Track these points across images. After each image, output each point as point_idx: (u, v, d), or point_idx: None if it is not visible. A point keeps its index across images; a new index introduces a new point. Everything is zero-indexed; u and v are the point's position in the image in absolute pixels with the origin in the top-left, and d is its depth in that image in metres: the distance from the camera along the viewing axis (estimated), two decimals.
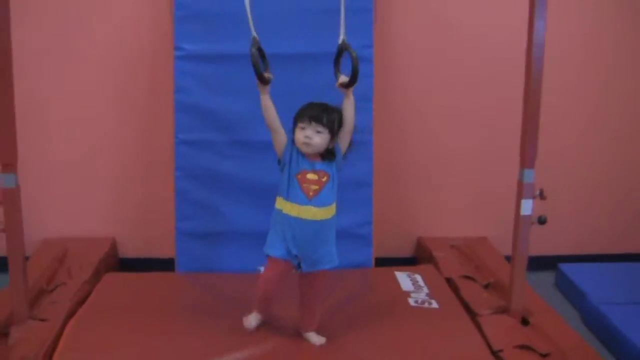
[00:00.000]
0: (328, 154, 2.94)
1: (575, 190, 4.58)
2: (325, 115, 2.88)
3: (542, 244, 4.29)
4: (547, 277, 4.37)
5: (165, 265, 4.05)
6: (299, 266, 2.97)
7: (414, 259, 4.45)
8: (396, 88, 4.31)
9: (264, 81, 2.87)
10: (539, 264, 4.31)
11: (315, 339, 3.11)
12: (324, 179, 2.92)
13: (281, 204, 2.94)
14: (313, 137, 2.87)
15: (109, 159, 4.31)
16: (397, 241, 4.50)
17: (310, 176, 2.91)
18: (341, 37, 3.01)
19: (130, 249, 4.39)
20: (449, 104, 4.37)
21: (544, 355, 3.06)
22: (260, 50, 2.94)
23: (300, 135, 2.87)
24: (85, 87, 4.20)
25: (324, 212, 2.92)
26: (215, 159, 3.98)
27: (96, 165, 4.31)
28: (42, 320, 3.19)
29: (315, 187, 2.89)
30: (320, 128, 2.87)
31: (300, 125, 2.89)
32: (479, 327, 3.29)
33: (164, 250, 4.12)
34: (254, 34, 2.95)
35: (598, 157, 4.55)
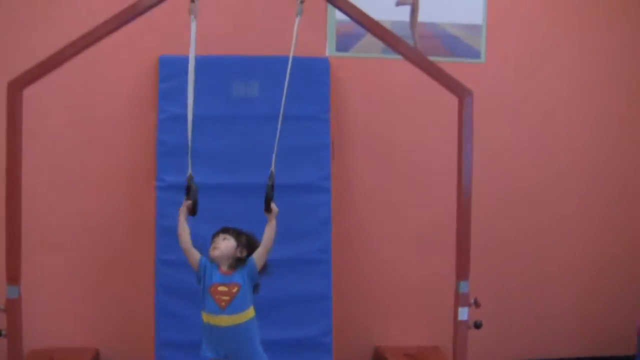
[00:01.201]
0: (238, 262, 3.29)
1: (524, 304, 4.98)
2: (232, 229, 3.32)
3: (494, 354, 4.84)
4: None
5: None
6: None
7: None
8: (352, 213, 4.75)
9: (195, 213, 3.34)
10: None
11: None
12: (234, 290, 3.25)
13: (203, 314, 3.29)
14: (219, 242, 3.29)
15: (94, 275, 4.62)
16: (356, 350, 4.78)
17: (221, 288, 3.24)
18: (271, 169, 3.37)
19: (112, 359, 4.63)
20: (397, 226, 4.83)
21: None
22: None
23: (211, 247, 3.30)
24: (76, 210, 4.57)
25: (237, 318, 3.24)
26: (191, 277, 4.11)
27: (81, 281, 4.61)
28: None
29: (226, 297, 3.22)
30: (226, 236, 3.31)
31: (212, 241, 3.32)
32: None
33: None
34: (190, 171, 3.42)
35: (536, 274, 4.99)
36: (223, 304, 3.23)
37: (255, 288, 3.35)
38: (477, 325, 3.66)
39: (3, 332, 3.41)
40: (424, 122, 4.80)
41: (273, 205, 3.35)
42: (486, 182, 4.68)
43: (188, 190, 3.40)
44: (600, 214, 5.08)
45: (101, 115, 4.61)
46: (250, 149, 4.31)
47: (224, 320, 3.23)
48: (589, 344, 5.03)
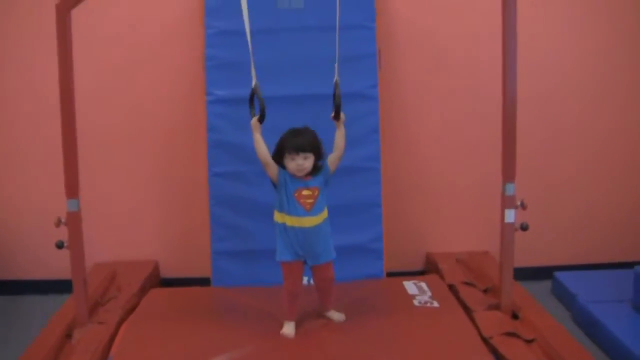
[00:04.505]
0: (314, 169, 3.46)
1: (572, 206, 4.96)
2: (308, 142, 3.40)
3: (541, 256, 4.85)
4: (546, 285, 4.73)
5: (201, 283, 4.46)
6: (305, 262, 3.54)
7: (424, 272, 4.80)
8: (400, 121, 4.73)
9: (262, 121, 3.45)
10: (538, 274, 4.82)
11: (336, 315, 3.70)
12: (316, 193, 3.47)
13: (283, 218, 3.48)
14: (303, 163, 3.41)
15: (151, 190, 4.77)
16: (408, 257, 4.88)
17: (305, 192, 3.46)
18: (334, 78, 3.55)
19: (170, 270, 4.83)
20: (446, 133, 4.80)
21: (529, 341, 3.47)
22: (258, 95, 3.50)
23: (292, 165, 3.41)
24: (133, 130, 4.70)
25: (319, 219, 3.48)
26: (244, 187, 4.38)
27: (140, 196, 4.77)
28: (100, 323, 3.71)
29: (310, 200, 3.45)
30: (306, 154, 3.41)
31: (290, 156, 3.41)
32: (473, 321, 3.72)
33: (201, 270, 4.54)
34: (255, 81, 3.53)
35: (590, 180, 4.95)
36: (308, 206, 3.45)
37: (327, 183, 3.56)
38: (524, 228, 3.74)
39: (65, 244, 3.61)
40: (471, 26, 4.72)
41: (341, 113, 3.52)
42: (535, 81, 4.65)
43: (252, 100, 3.56)
44: None
45: (150, 33, 4.66)
46: (298, 61, 4.35)
47: (309, 221, 3.46)
48: (633, 249, 5.00)
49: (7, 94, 4.70)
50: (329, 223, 3.57)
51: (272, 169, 3.49)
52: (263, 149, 3.46)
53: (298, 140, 3.42)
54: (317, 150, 3.46)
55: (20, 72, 4.66)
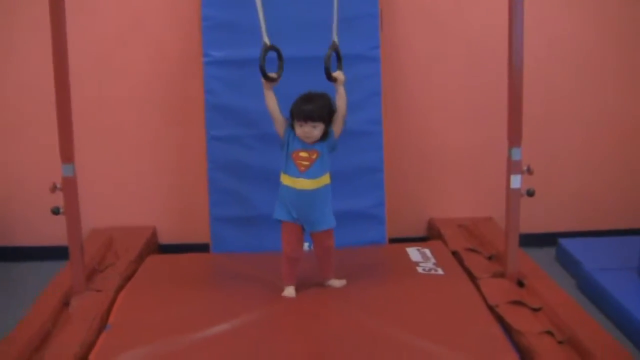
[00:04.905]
0: (324, 136, 3.42)
1: (577, 171, 4.87)
2: (317, 111, 3.35)
3: (545, 222, 4.75)
4: (549, 252, 4.65)
5: (200, 249, 4.40)
6: (303, 227, 3.50)
7: (426, 238, 4.70)
8: (402, 84, 4.62)
9: (268, 80, 3.39)
10: (542, 240, 4.72)
11: (337, 282, 3.66)
12: (314, 156, 3.41)
13: (282, 177, 3.46)
14: (311, 131, 3.37)
15: (149, 155, 4.66)
16: (410, 222, 4.79)
17: (302, 154, 3.42)
18: (332, 39, 3.52)
19: (168, 236, 4.74)
20: (449, 96, 4.69)
21: (536, 310, 3.40)
22: (277, 51, 3.44)
23: (300, 131, 3.38)
24: (128, 93, 4.57)
25: (313, 183, 3.43)
26: (243, 151, 4.31)
27: (138, 161, 4.67)
28: (98, 291, 3.63)
29: (306, 163, 3.41)
30: (315, 124, 3.36)
31: (298, 123, 3.37)
32: (478, 289, 3.64)
33: (199, 236, 4.47)
34: (265, 39, 3.43)
35: (597, 144, 4.85)
36: (302, 168, 3.42)
37: (332, 149, 3.52)
38: (530, 194, 3.65)
39: (61, 210, 3.52)
40: None
41: (338, 74, 3.47)
42: (541, 45, 4.55)
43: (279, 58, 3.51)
44: None
45: None
46: (299, 22, 4.25)
47: (302, 183, 3.42)
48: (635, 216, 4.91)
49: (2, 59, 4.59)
50: (329, 190, 3.51)
51: (280, 124, 3.47)
52: (271, 104, 3.45)
53: (307, 108, 3.37)
54: (328, 119, 3.42)
55: (16, 40, 4.55)
